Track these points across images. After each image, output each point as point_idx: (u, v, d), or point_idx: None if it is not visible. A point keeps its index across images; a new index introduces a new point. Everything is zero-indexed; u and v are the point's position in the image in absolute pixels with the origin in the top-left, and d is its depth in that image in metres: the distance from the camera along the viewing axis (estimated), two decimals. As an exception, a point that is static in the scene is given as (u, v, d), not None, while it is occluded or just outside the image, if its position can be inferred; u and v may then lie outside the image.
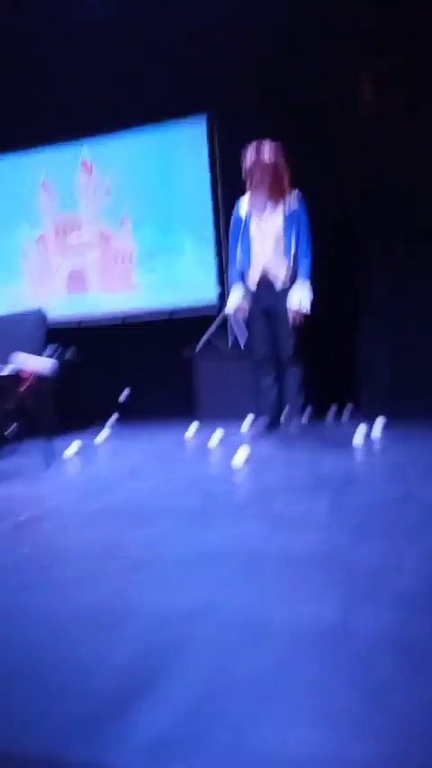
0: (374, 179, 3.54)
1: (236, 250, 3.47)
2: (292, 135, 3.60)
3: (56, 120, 4.69)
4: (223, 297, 4.39)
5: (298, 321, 3.27)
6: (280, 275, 3.34)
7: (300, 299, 3.23)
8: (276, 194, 3.31)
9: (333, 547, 1.35)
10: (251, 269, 3.41)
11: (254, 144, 3.31)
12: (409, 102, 3.37)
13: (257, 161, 3.28)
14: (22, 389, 2.85)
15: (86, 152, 4.93)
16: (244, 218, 3.42)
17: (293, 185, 3.35)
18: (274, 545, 1.39)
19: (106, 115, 4.60)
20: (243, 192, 3.47)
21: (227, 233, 3.81)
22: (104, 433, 3.78)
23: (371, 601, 1.03)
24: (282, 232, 3.31)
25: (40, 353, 2.72)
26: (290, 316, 3.26)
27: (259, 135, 3.36)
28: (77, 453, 3.05)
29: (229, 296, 3.51)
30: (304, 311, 3.24)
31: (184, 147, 4.60)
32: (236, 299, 3.43)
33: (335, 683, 0.78)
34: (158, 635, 0.96)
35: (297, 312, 3.25)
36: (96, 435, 3.55)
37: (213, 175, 4.48)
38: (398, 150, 3.46)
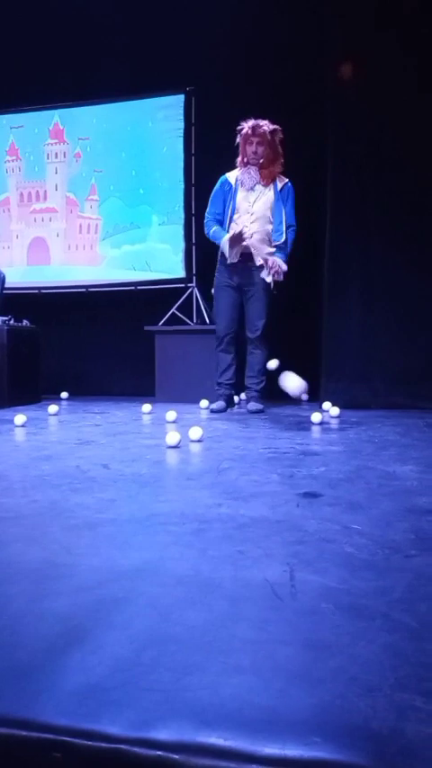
0: (352, 155, 3.50)
1: (217, 208, 3.33)
2: (273, 117, 3.56)
3: (31, 86, 4.51)
4: (190, 273, 4.33)
5: (275, 271, 3.13)
6: (261, 253, 3.26)
7: (279, 262, 3.16)
8: (268, 173, 3.22)
9: (282, 514, 1.34)
10: None
11: (252, 119, 3.21)
12: (396, 80, 3.34)
13: (254, 135, 3.18)
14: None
15: (58, 119, 4.76)
16: (234, 186, 3.30)
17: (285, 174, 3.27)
18: (224, 511, 1.38)
19: (83, 85, 4.44)
20: (217, 173, 3.38)
21: (197, 212, 3.70)
22: (58, 403, 3.69)
23: (316, 563, 1.02)
24: (270, 213, 3.23)
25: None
26: (268, 263, 3.16)
27: (240, 115, 3.30)
28: (29, 422, 2.96)
29: (222, 237, 3.27)
30: (283, 268, 3.15)
31: (160, 122, 4.49)
32: (229, 233, 3.22)
33: (277, 636, 0.76)
34: (100, 589, 0.93)
35: (275, 262, 3.13)
36: (50, 405, 3.46)
37: (187, 154, 4.40)
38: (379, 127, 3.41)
